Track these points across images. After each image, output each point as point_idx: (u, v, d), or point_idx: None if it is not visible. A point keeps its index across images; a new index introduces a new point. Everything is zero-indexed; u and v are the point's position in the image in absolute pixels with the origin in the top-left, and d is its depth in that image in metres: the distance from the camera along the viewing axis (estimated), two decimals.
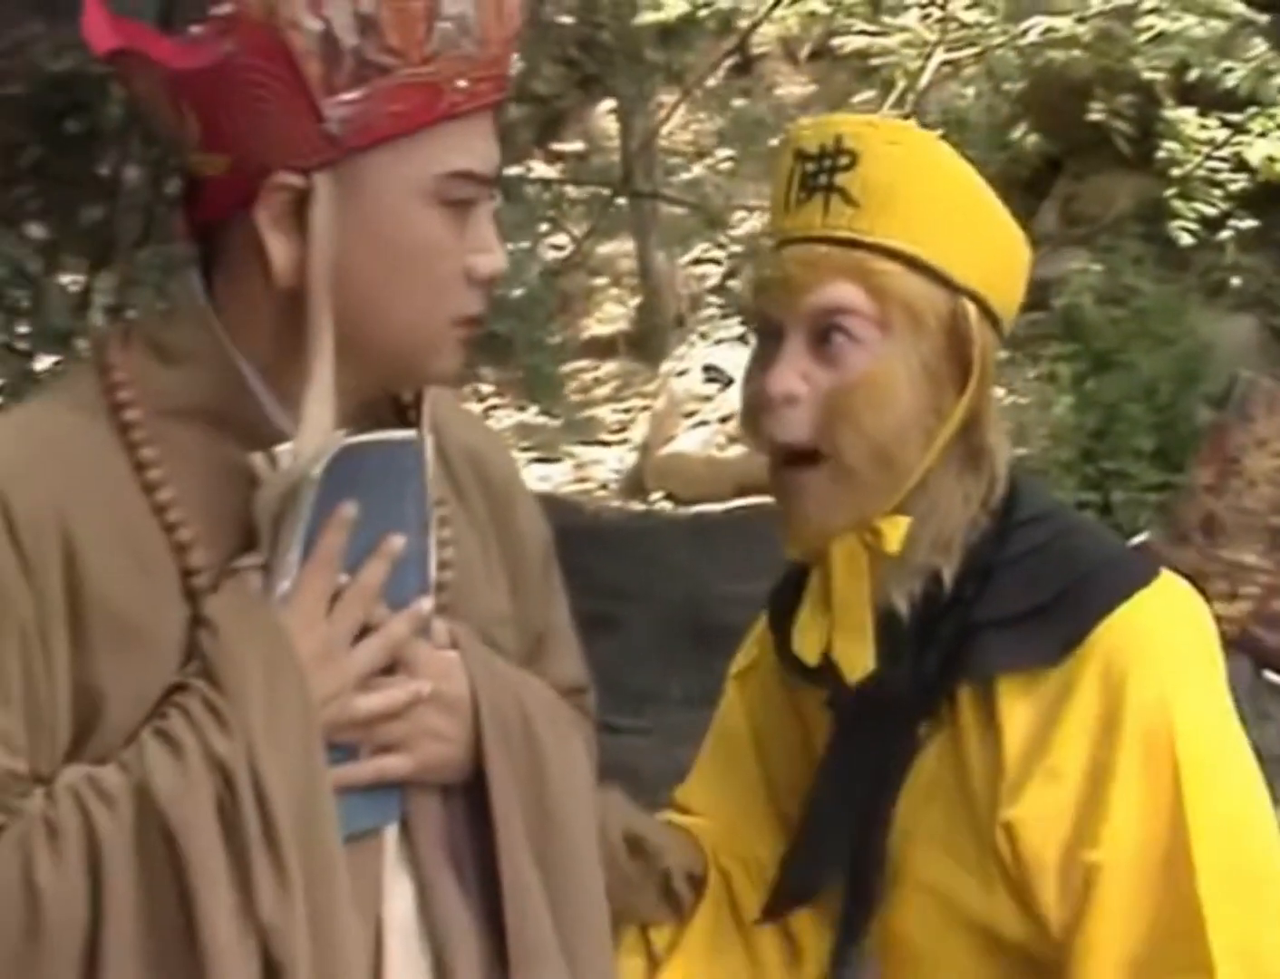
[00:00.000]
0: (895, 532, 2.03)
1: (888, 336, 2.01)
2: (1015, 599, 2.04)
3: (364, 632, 1.79)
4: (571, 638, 2.12)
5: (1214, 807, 1.99)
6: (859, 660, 2.06)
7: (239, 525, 1.76)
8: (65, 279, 4.44)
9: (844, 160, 2.06)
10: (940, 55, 9.68)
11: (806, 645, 2.11)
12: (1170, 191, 8.54)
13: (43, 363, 3.79)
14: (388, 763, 1.82)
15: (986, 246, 2.08)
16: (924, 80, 9.96)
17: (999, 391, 7.83)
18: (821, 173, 2.07)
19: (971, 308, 2.03)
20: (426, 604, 1.84)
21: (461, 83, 1.75)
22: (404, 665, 1.82)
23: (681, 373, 10.85)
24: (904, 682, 2.07)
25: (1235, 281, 9.15)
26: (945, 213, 2.05)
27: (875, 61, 9.75)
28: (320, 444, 1.76)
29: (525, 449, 10.68)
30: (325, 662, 1.76)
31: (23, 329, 3.88)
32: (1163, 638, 2.02)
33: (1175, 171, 8.50)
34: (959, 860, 2.08)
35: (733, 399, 8.68)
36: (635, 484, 10.21)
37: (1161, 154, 8.54)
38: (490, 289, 1.83)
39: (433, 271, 1.78)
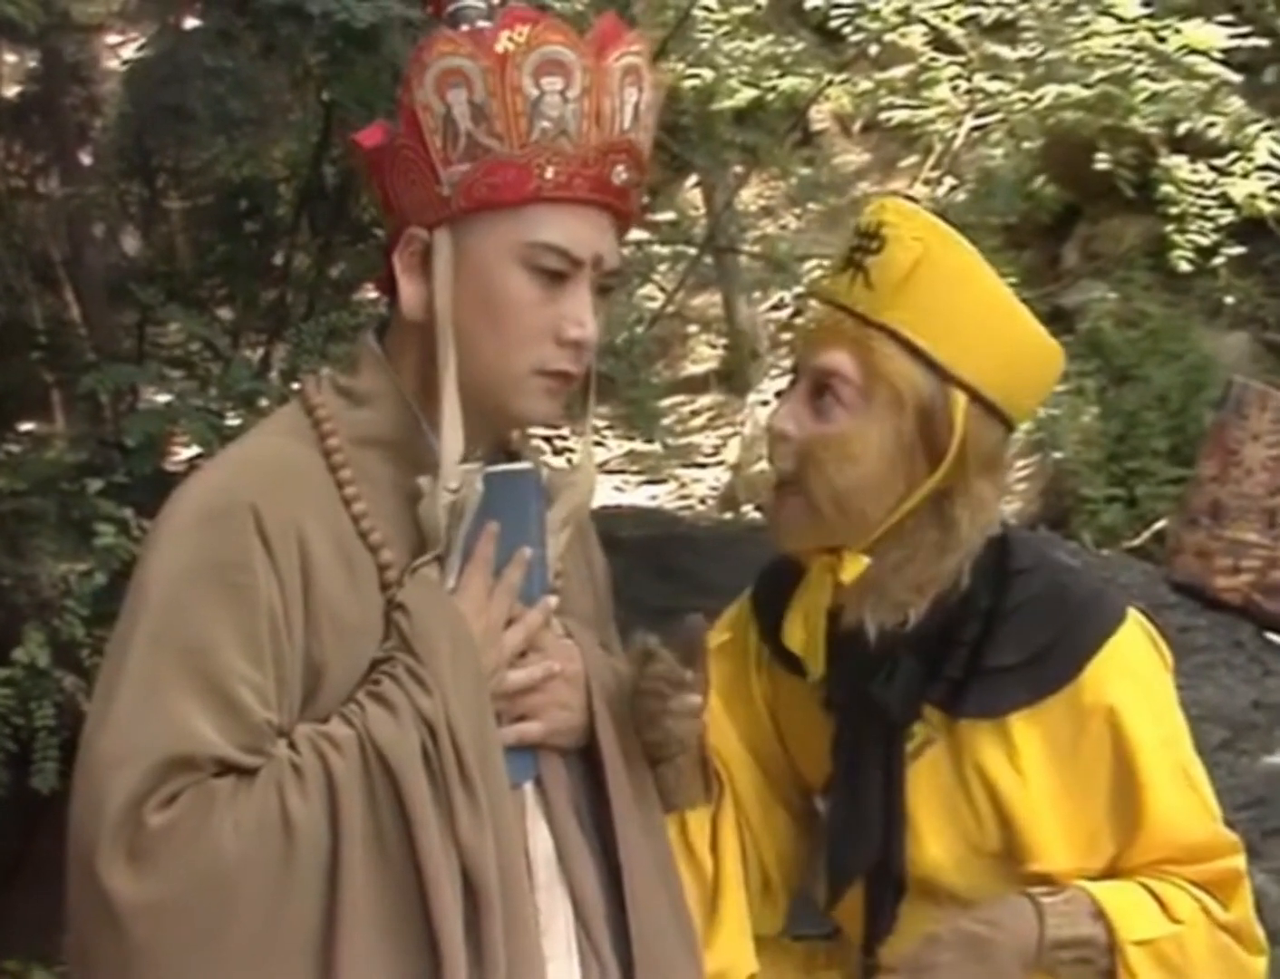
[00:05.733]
0: (853, 567, 2.02)
1: (868, 406, 2.00)
2: (1019, 645, 2.04)
3: (506, 623, 1.89)
4: (620, 648, 2.16)
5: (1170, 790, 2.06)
6: (815, 664, 2.09)
7: (408, 531, 1.87)
8: (247, 351, 4.54)
9: (875, 244, 2.03)
10: (970, 122, 9.67)
11: (792, 637, 2.11)
12: (1170, 227, 8.51)
13: (230, 420, 3.88)
14: (526, 727, 1.92)
15: (996, 347, 2.02)
16: (957, 144, 9.98)
17: None
18: (858, 250, 2.05)
19: (962, 398, 2.00)
20: (553, 601, 1.95)
21: (550, 171, 1.83)
22: (536, 650, 1.92)
23: (765, 403, 10.82)
24: (894, 701, 2.07)
25: (1229, 300, 9.11)
26: (953, 309, 2.01)
27: (916, 131, 9.73)
28: (463, 465, 1.86)
29: (636, 472, 10.72)
30: (488, 642, 1.86)
31: (213, 392, 3.98)
32: (1139, 670, 2.07)
33: (1173, 210, 8.45)
34: (963, 842, 2.10)
35: None
36: (729, 499, 10.18)
37: (1160, 196, 8.52)
38: (581, 353, 1.88)
39: (516, 323, 1.85)
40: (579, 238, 1.88)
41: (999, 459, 2.09)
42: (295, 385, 3.84)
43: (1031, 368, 2.09)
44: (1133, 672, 2.06)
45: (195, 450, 3.89)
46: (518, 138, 1.83)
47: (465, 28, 1.87)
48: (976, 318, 2.02)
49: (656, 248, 7.71)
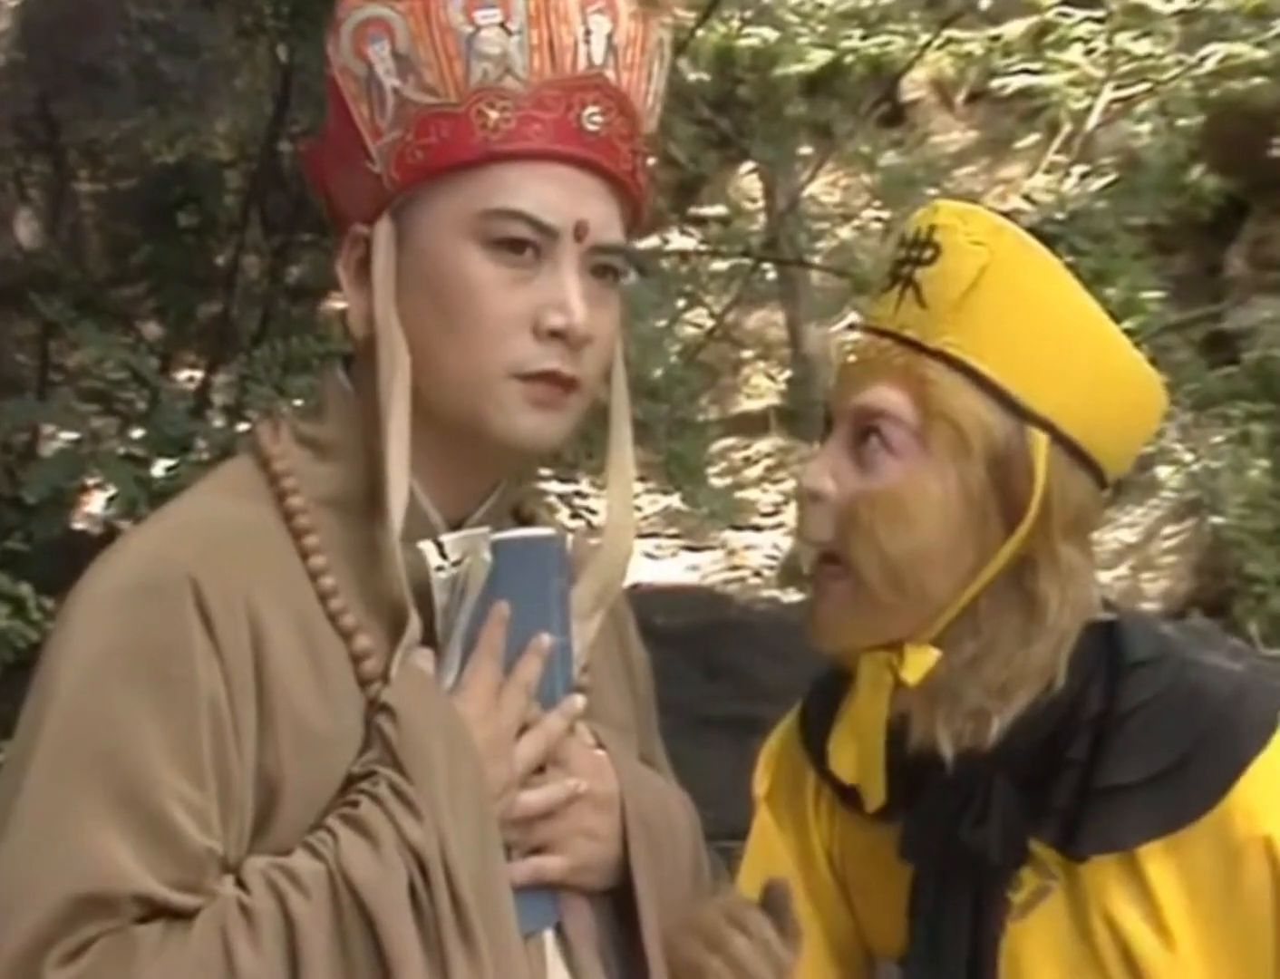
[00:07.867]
0: (919, 662, 2.00)
1: (925, 453, 1.97)
2: (1142, 760, 2.01)
3: (520, 730, 1.87)
4: (668, 765, 2.17)
5: None
6: (874, 791, 2.06)
7: (386, 608, 1.86)
8: (182, 375, 4.55)
9: (927, 254, 2.02)
10: (1109, 92, 9.73)
11: (841, 764, 2.09)
12: None
13: (158, 469, 3.87)
14: (545, 862, 1.90)
15: (1082, 377, 2.01)
16: (1092, 120, 10.01)
17: (1186, 456, 7.71)
18: (907, 263, 2.04)
19: (1043, 440, 1.98)
20: (579, 701, 1.93)
21: (494, 116, 1.84)
22: (557, 764, 1.91)
23: None
24: (993, 843, 2.04)
25: None
26: (1027, 329, 2.00)
27: (1038, 103, 9.77)
28: (465, 531, 1.88)
29: (672, 536, 10.75)
30: (496, 755, 1.84)
31: (138, 433, 3.98)
32: None
33: None
34: None
35: None
36: (791, 571, 10.18)
37: None
38: (570, 349, 1.86)
39: (479, 314, 1.84)
40: (548, 201, 1.86)
41: (1089, 519, 2.06)
42: (243, 427, 3.83)
43: (1126, 403, 2.07)
44: None
45: (111, 509, 3.89)
46: (454, 86, 1.83)
47: None
48: (1057, 340, 2.01)
49: (704, 255, 7.74)
